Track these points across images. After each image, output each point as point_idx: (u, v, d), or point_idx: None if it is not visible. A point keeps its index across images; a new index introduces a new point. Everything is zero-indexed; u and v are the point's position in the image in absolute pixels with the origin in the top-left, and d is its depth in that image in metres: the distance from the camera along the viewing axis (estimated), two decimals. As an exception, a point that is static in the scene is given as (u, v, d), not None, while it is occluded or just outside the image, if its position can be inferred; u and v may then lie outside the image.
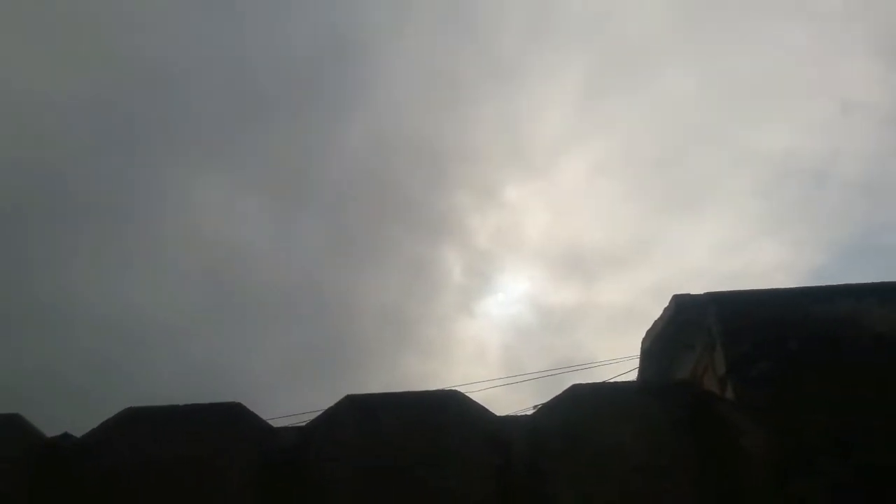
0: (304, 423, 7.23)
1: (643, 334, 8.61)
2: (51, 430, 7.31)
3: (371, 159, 37.03)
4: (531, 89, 38.69)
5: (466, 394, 7.15)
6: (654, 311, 8.34)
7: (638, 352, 8.78)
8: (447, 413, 6.89)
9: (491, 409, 7.03)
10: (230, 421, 7.01)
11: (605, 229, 38.51)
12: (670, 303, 7.85)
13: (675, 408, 6.83)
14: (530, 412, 7.28)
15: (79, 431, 7.10)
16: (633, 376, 9.18)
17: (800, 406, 6.64)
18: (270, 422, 7.28)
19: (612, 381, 8.75)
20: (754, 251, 35.27)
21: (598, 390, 7.20)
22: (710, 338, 7.42)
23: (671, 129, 37.28)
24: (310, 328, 35.29)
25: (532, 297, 39.38)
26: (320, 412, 7.07)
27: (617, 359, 10.36)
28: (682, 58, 37.56)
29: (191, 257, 34.73)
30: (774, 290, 7.46)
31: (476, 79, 38.74)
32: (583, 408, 6.91)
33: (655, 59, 37.69)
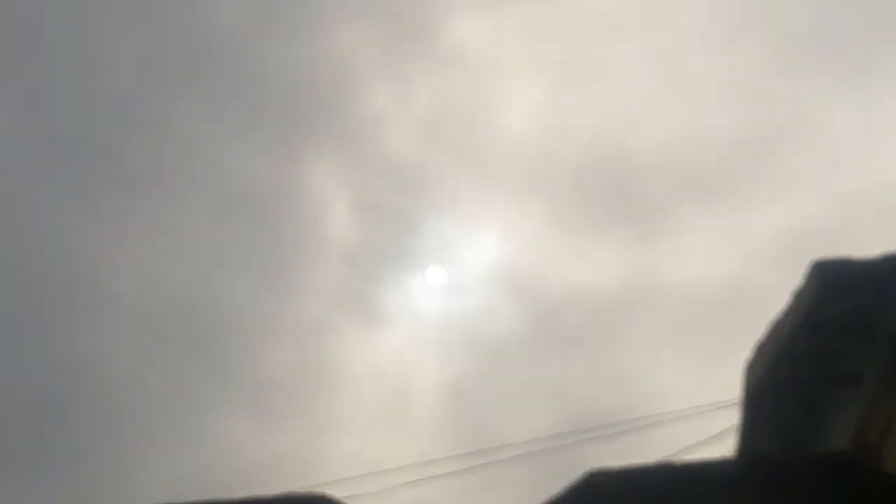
0: None
1: (749, 348, 5.88)
2: None
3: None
4: None
5: (346, 500, 4.81)
6: (774, 294, 5.55)
7: (738, 385, 6.01)
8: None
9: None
10: None
11: (676, 112, 17.24)
12: (808, 277, 5.28)
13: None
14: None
15: None
16: (726, 442, 6.38)
17: None
18: None
19: (682, 456, 6.11)
20: None
21: (647, 480, 4.71)
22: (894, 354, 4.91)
23: None
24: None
25: (517, 269, 17.93)
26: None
27: (697, 406, 6.58)
28: None
29: None
30: None
31: None
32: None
33: None
